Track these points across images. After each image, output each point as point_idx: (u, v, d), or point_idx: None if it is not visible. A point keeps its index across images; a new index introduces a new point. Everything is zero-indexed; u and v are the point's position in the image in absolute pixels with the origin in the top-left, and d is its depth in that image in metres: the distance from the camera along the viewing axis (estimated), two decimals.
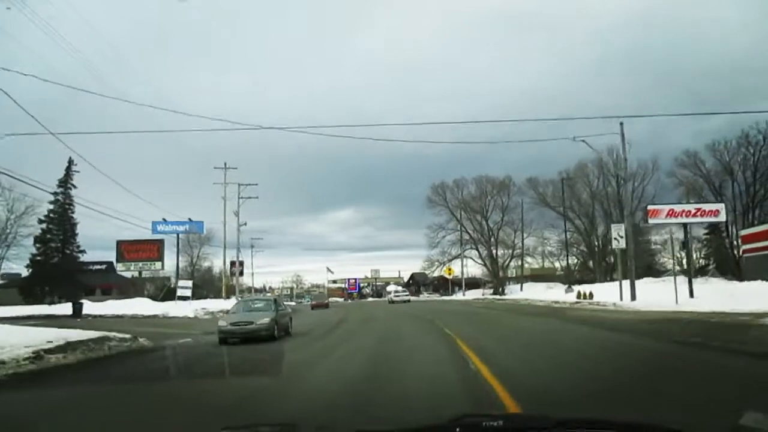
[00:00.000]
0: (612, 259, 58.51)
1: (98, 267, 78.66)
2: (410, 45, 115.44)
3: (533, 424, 2.89)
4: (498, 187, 77.02)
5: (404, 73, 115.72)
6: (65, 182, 56.76)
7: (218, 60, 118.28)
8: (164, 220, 62.89)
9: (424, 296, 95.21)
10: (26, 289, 55.04)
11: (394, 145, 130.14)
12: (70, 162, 56.78)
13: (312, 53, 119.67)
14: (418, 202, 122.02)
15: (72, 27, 55.82)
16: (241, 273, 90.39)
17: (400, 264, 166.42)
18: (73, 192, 56.45)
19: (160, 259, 40.78)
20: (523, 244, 74.74)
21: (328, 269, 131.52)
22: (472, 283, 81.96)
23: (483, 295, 70.87)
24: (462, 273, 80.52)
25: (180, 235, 63.52)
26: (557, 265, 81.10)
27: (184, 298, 40.27)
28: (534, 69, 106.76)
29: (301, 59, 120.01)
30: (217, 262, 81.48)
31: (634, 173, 63.38)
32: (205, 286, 72.13)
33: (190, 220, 63.33)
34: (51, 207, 55.50)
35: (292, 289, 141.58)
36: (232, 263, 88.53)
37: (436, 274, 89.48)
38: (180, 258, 62.32)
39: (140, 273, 41.36)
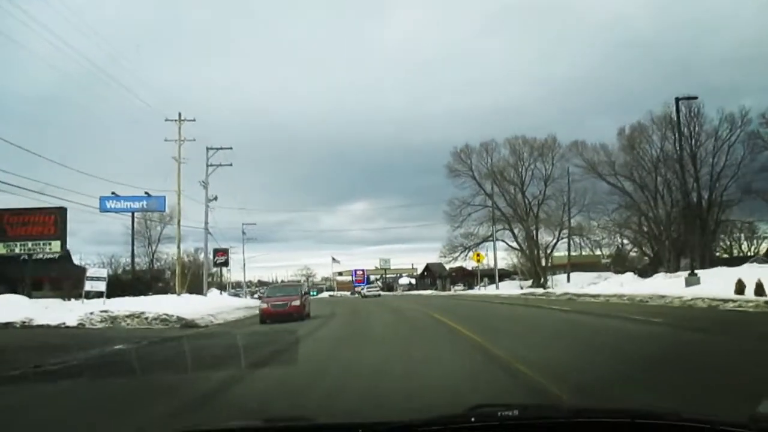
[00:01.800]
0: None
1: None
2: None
3: (549, 414, 2.94)
4: (539, 150, 62.06)
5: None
6: None
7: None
8: (114, 194, 49.70)
9: (431, 292, 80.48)
10: None
11: (409, 133, 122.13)
12: None
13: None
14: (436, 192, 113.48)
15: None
16: (225, 263, 77.47)
17: (418, 257, 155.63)
18: None
19: (59, 236, 27.19)
20: (569, 223, 59.22)
21: (334, 259, 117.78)
22: (500, 275, 66.97)
23: (522, 288, 55.89)
24: (494, 260, 65.58)
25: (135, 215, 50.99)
26: (600, 252, 66.78)
27: (97, 295, 26.50)
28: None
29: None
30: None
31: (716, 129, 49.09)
32: (173, 279, 58.19)
33: (147, 194, 49.84)
34: None
35: (299, 282, 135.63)
36: (216, 252, 75.59)
37: (458, 264, 74.22)
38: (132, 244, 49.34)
39: (30, 256, 27.73)
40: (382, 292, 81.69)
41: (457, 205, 65.87)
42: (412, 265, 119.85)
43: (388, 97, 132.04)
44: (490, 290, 60.71)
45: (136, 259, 53.19)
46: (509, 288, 59.51)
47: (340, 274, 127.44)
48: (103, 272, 27.88)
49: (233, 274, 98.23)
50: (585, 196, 57.98)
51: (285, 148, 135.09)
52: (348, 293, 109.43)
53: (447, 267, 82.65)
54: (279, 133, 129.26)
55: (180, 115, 40.03)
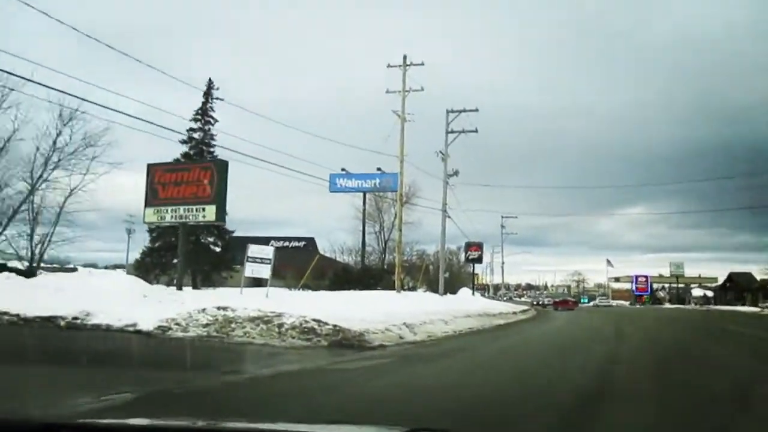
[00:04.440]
0: None
1: (295, 243, 62.29)
2: None
3: None
4: None
5: None
6: (203, 114, 39.31)
7: None
8: (344, 171, 42.92)
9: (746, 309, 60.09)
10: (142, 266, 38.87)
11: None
12: (210, 85, 39.17)
13: None
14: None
15: None
16: (479, 260, 67.39)
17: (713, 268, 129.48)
18: (213, 128, 38.73)
19: (214, 200, 19.28)
20: None
21: (608, 262, 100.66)
22: None
23: None
24: None
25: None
26: None
27: (256, 282, 18.34)
28: None
29: None
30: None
31: None
32: (412, 271, 49.84)
33: (380, 171, 42.10)
34: (184, 149, 37.98)
35: (569, 287, 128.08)
36: (469, 246, 66.08)
37: None
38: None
39: (183, 224, 20.02)
40: (668, 305, 65.12)
41: None
42: (699, 275, 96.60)
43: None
44: None
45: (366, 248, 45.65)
46: None
47: (617, 279, 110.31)
48: (269, 251, 19.44)
49: (495, 275, 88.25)
50: None
51: (550, 144, 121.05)
52: (625, 303, 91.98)
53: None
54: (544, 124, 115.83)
55: (405, 58, 30.75)
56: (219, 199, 19.48)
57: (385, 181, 42.33)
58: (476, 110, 37.41)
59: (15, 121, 28.33)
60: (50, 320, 13.04)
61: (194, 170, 20.04)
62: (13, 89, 27.05)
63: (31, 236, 29.65)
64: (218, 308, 13.73)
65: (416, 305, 23.86)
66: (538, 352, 14.11)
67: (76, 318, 13.06)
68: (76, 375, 7.91)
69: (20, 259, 31.02)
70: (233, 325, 12.96)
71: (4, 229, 28.16)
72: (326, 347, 12.38)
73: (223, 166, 19.88)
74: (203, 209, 19.48)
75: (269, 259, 18.96)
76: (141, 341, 11.99)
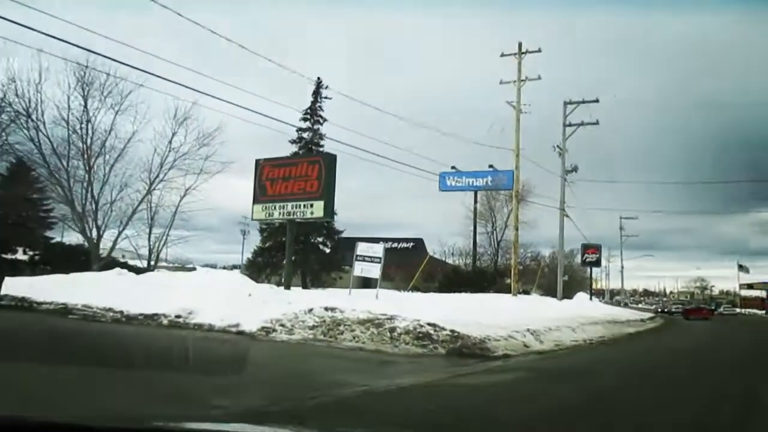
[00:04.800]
0: None
1: (404, 244, 61.22)
2: None
3: None
4: None
5: None
6: (312, 113, 39.18)
7: None
8: (454, 169, 41.31)
9: None
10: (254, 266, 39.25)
11: None
12: (319, 84, 39.03)
13: None
14: None
15: None
16: (597, 263, 63.09)
17: None
18: (323, 128, 38.54)
19: (323, 195, 18.24)
20: None
21: (742, 267, 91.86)
22: None
23: None
24: None
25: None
26: None
27: (364, 283, 17.43)
28: None
29: None
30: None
31: None
32: (526, 274, 47.26)
33: (492, 168, 40.12)
34: (293, 149, 38.01)
35: (692, 294, 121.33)
36: (586, 248, 62.16)
37: None
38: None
39: (291, 221, 19.01)
40: None
41: None
42: None
43: None
44: None
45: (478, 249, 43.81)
46: None
47: (750, 286, 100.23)
48: (379, 249, 18.22)
49: (611, 280, 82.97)
50: None
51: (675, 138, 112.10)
52: (760, 312, 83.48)
53: None
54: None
55: (520, 46, 28.73)
56: (327, 195, 18.54)
57: (497, 179, 40.31)
58: (596, 101, 34.55)
59: (134, 123, 29.26)
60: (153, 318, 12.56)
61: (302, 165, 19.23)
62: (130, 91, 27.93)
63: (149, 235, 30.48)
64: (325, 309, 12.65)
65: (535, 310, 21.95)
66: (707, 372, 11.54)
67: (178, 316, 12.48)
68: (184, 380, 6.98)
69: (140, 257, 32.08)
70: (341, 328, 11.81)
71: (125, 228, 29.08)
72: (444, 355, 10.95)
73: (331, 160, 18.94)
74: (311, 205, 18.62)
75: (379, 258, 17.78)
76: (244, 343, 11.10)
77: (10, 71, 26.86)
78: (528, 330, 14.60)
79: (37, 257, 29.98)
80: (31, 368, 6.90)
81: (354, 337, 11.56)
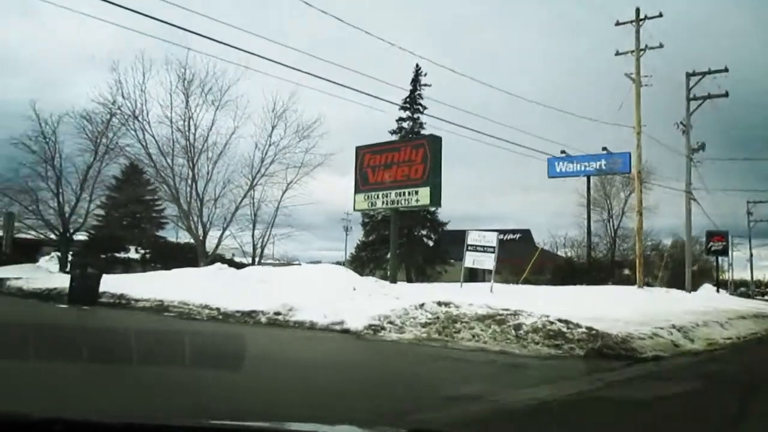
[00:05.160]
0: None
1: (510, 236, 58.68)
2: None
3: None
4: None
5: None
6: (411, 102, 37.92)
7: None
8: (564, 153, 38.61)
9: None
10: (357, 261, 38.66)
11: None
12: (417, 71, 37.87)
13: None
14: None
15: None
16: (723, 252, 57.43)
17: None
18: (423, 118, 37.18)
19: (428, 181, 16.66)
20: None
21: None
22: None
23: None
24: None
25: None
26: None
27: (472, 276, 16.60)
28: None
29: None
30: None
31: None
32: (647, 265, 43.39)
33: (606, 151, 37.18)
34: (394, 139, 36.93)
35: None
36: (711, 235, 56.85)
37: None
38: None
39: (395, 210, 17.61)
40: None
41: None
42: None
43: None
44: None
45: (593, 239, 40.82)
46: None
47: None
48: (492, 238, 16.55)
49: (736, 271, 75.78)
50: None
51: None
52: None
53: None
54: None
55: (638, 11, 25.95)
56: (433, 180, 17.13)
57: (612, 162, 37.32)
58: (725, 70, 31.00)
59: (234, 118, 29.23)
60: (250, 315, 11.72)
61: (405, 149, 17.96)
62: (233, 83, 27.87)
63: (252, 231, 30.45)
64: (438, 304, 11.27)
65: (666, 303, 19.56)
66: None
67: (278, 313, 11.54)
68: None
69: (245, 254, 32.17)
70: (458, 326, 10.39)
71: (229, 224, 29.13)
72: (581, 357, 9.26)
73: (437, 143, 17.48)
74: (416, 192, 17.31)
75: (492, 248, 16.14)
76: (351, 344, 9.97)
77: (116, 72, 27.55)
78: (672, 326, 12.52)
79: (148, 255, 30.75)
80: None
81: (473, 336, 10.10)
